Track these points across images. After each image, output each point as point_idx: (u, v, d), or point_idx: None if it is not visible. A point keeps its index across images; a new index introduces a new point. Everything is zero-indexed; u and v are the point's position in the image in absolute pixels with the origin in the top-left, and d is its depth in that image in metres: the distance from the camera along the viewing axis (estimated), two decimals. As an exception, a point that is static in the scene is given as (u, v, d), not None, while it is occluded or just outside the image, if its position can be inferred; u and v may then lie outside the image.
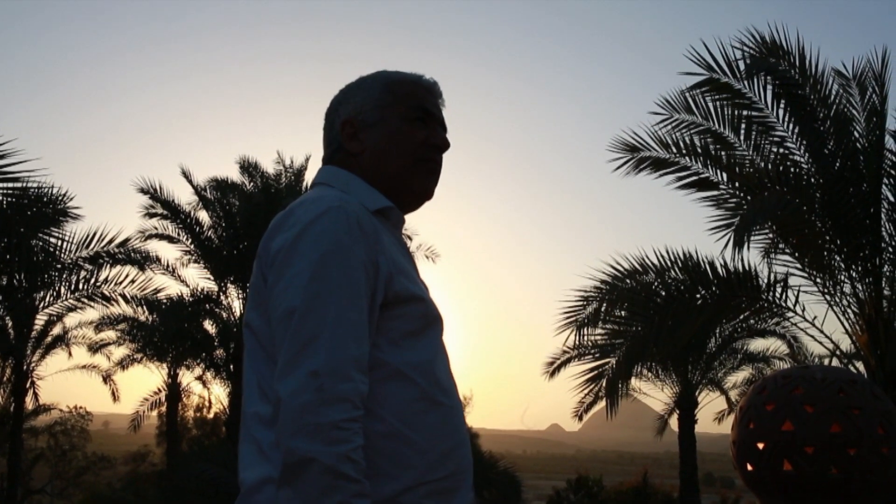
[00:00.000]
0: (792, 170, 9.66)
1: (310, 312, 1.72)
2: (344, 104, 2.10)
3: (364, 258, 1.78)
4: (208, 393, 21.21)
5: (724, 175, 9.93)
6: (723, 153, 9.96)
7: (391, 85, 2.10)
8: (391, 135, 2.05)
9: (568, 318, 10.91)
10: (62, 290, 15.15)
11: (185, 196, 18.41)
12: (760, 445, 3.41)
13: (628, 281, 10.47)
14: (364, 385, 1.71)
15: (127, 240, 15.11)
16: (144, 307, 16.28)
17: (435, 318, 1.93)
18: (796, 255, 9.78)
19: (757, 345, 20.68)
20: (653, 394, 21.29)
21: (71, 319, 18.50)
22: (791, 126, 9.61)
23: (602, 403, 11.31)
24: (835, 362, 10.35)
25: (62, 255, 14.16)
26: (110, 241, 14.67)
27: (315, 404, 1.64)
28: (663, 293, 9.99)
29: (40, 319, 16.99)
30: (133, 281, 15.55)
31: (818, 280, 9.68)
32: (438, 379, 1.87)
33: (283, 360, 1.71)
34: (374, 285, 1.80)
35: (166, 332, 16.66)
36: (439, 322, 1.95)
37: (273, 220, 1.90)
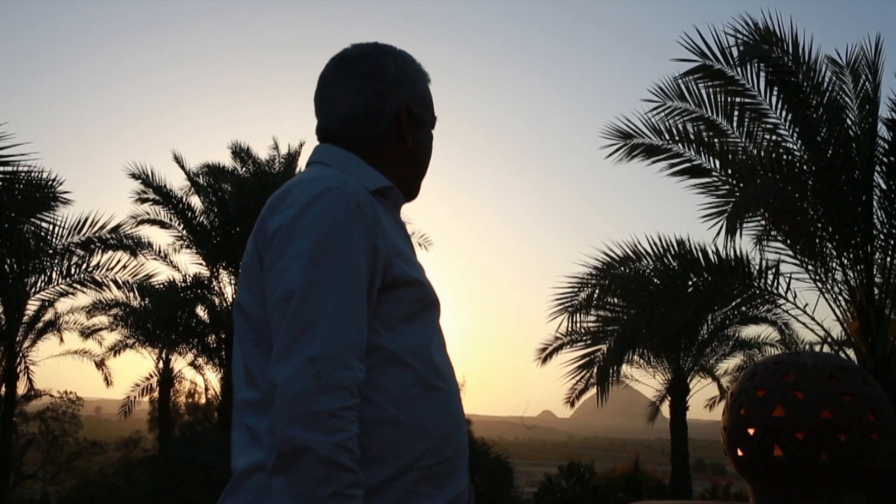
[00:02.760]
0: (784, 157, 9.66)
1: (308, 297, 1.68)
2: (405, 85, 2.00)
3: (363, 241, 1.74)
4: (202, 378, 21.14)
5: (717, 162, 9.94)
6: (715, 140, 9.96)
7: (428, 85, 2.07)
8: (427, 142, 2.06)
9: (561, 304, 10.92)
10: (54, 275, 15.14)
11: (177, 181, 18.44)
12: (751, 431, 3.42)
13: (621, 268, 10.47)
14: (361, 372, 1.68)
15: (119, 225, 15.11)
16: (136, 293, 16.25)
17: (432, 302, 1.90)
18: (788, 242, 9.79)
19: (749, 331, 20.67)
20: (644, 381, 21.28)
21: (63, 305, 18.46)
22: (784, 113, 9.61)
23: (594, 390, 11.32)
24: (826, 349, 10.38)
25: (53, 241, 14.15)
26: (102, 227, 14.67)
27: (312, 392, 1.61)
28: (656, 280, 9.99)
29: (32, 305, 16.94)
30: (125, 266, 15.57)
31: (810, 267, 9.70)
32: (435, 363, 1.84)
33: (279, 345, 1.68)
34: (373, 269, 1.76)
35: (159, 318, 16.62)
36: (436, 305, 1.92)
37: (269, 198, 1.86)
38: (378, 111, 1.96)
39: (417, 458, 1.76)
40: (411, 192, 2.07)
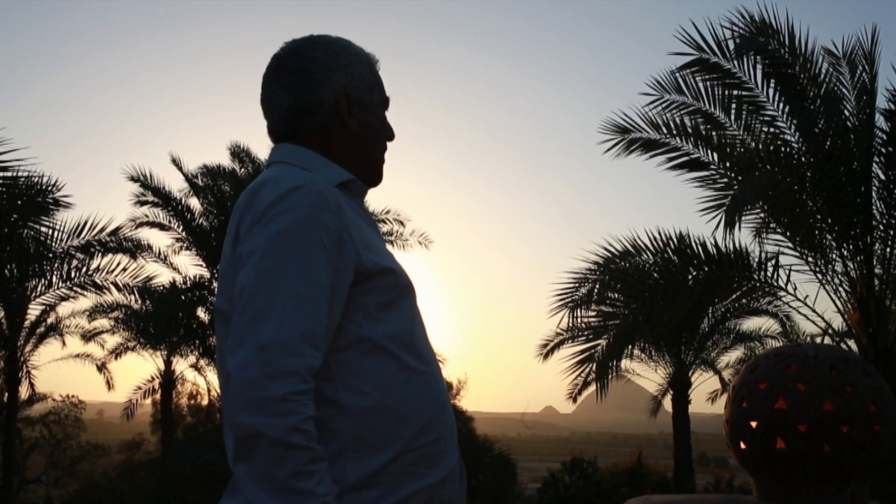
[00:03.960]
0: (783, 149, 9.67)
1: (260, 287, 1.71)
2: (339, 71, 2.00)
3: (325, 236, 1.76)
4: (204, 380, 21.15)
5: (715, 155, 9.93)
6: (713, 133, 9.96)
7: (372, 66, 2.07)
8: (375, 123, 2.06)
9: (561, 299, 10.92)
10: (54, 279, 15.16)
11: (176, 183, 18.38)
12: (753, 424, 3.42)
13: (621, 262, 10.48)
14: (315, 359, 1.70)
15: (118, 228, 15.14)
16: (137, 295, 16.27)
17: (406, 287, 1.93)
18: (788, 234, 9.80)
19: (749, 324, 20.64)
20: (646, 375, 21.26)
21: (64, 308, 18.48)
22: (781, 105, 9.61)
23: (595, 385, 11.32)
24: (827, 341, 10.38)
25: (53, 245, 14.15)
26: (101, 230, 14.68)
27: (262, 378, 1.63)
28: (656, 274, 10.00)
29: (33, 309, 16.95)
30: (125, 269, 15.61)
31: (810, 259, 9.70)
32: (417, 347, 1.88)
33: (232, 336, 1.71)
34: (342, 263, 1.79)
35: (159, 320, 16.64)
36: (411, 289, 1.95)
37: (239, 200, 1.87)
38: (314, 103, 1.97)
39: (410, 441, 1.81)
40: (372, 177, 2.08)
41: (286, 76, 1.99)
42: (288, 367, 1.65)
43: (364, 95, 2.02)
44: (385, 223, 17.85)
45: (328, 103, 1.98)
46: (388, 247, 2.01)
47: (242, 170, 18.10)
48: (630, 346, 11.35)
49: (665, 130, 10.05)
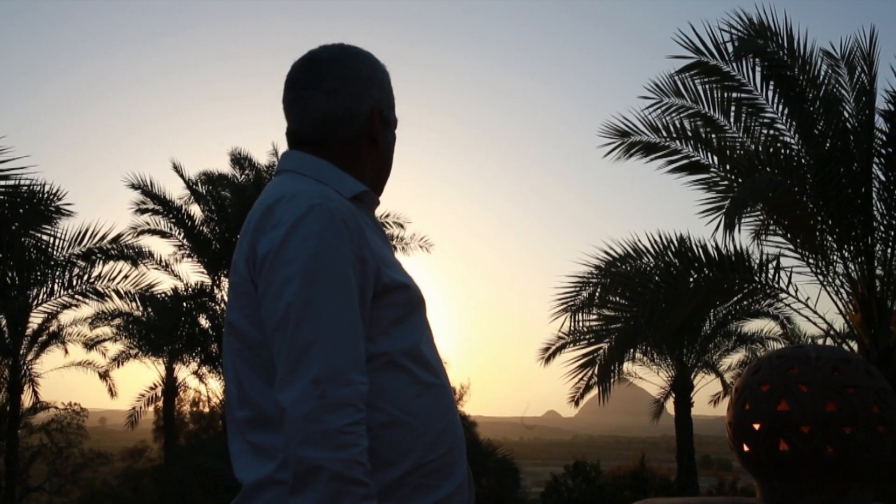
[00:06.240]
0: (782, 151, 9.68)
1: (304, 319, 1.72)
2: (376, 86, 2.02)
3: (351, 257, 1.77)
4: (206, 387, 21.16)
5: (715, 158, 9.95)
6: (713, 136, 9.97)
7: (389, 83, 2.09)
8: (391, 143, 2.09)
9: (563, 303, 10.92)
10: (56, 286, 15.15)
11: (176, 191, 18.39)
12: (756, 426, 3.42)
13: (622, 266, 10.48)
14: (364, 385, 1.73)
15: (119, 235, 15.14)
16: (139, 302, 16.26)
17: (419, 301, 1.94)
18: (788, 236, 9.80)
19: (751, 326, 20.70)
20: (648, 378, 21.31)
21: (65, 316, 18.49)
22: (780, 107, 9.62)
23: (597, 389, 11.31)
24: (829, 342, 10.38)
25: (55, 252, 14.16)
26: (103, 238, 14.69)
27: (318, 412, 1.65)
28: (657, 277, 10.00)
29: (35, 317, 16.96)
30: (126, 277, 15.58)
31: (811, 261, 9.70)
32: (427, 360, 1.89)
33: (282, 370, 1.72)
34: (364, 281, 1.80)
35: (161, 328, 16.63)
36: (423, 304, 1.96)
37: (252, 214, 1.88)
38: (354, 113, 1.98)
39: (424, 453, 1.82)
40: (379, 192, 2.10)
41: (327, 81, 1.98)
42: (342, 397, 1.68)
43: (389, 114, 2.05)
44: (385, 227, 17.82)
45: (364, 116, 1.99)
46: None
47: (243, 176, 18.13)
48: (632, 350, 11.34)
49: (665, 133, 10.07)
